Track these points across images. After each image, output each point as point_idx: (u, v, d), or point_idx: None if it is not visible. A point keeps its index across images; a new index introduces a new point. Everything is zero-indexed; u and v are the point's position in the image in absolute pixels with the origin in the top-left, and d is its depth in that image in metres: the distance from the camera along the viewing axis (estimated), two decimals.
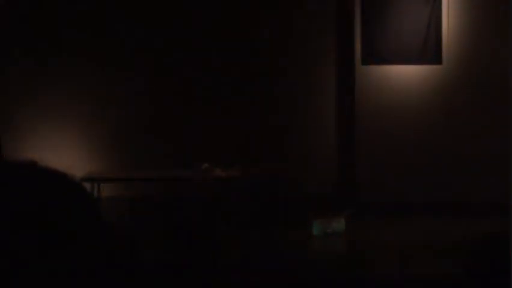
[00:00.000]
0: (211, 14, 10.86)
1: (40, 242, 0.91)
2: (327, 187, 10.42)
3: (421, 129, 10.66)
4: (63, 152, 10.35)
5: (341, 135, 10.60)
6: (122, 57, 10.86)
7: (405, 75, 10.86)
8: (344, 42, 10.63)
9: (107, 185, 9.94)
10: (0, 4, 10.70)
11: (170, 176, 9.50)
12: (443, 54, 10.79)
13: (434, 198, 10.35)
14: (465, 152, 10.51)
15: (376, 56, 10.80)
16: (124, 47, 10.85)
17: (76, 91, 10.86)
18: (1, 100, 10.73)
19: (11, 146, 10.39)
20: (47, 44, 10.81)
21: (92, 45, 10.85)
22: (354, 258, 7.71)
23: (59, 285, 0.90)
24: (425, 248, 8.08)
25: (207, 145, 10.51)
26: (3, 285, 0.88)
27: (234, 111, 10.74)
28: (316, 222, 8.75)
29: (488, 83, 10.50)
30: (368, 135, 10.77)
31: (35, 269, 0.90)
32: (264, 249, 7.96)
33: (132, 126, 10.87)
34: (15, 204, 0.91)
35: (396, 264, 7.31)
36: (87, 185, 8.98)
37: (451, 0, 10.80)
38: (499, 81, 10.35)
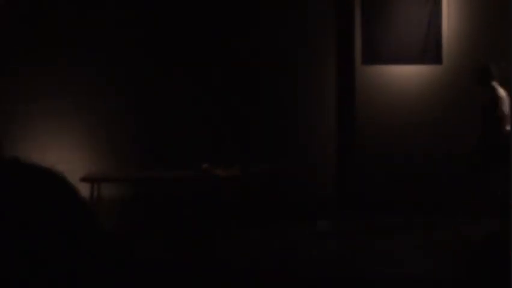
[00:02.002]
0: (211, 15, 10.86)
1: (26, 242, 0.90)
2: (327, 187, 10.42)
3: (421, 129, 10.66)
4: (63, 152, 10.35)
5: (341, 135, 10.59)
6: (122, 57, 10.86)
7: (405, 75, 10.86)
8: (344, 42, 10.63)
9: (107, 185, 9.94)
10: (0, 4, 10.69)
11: (170, 176, 9.49)
12: (443, 54, 10.78)
13: (434, 197, 10.34)
14: (465, 152, 10.50)
15: (376, 56, 10.80)
16: (124, 48, 10.85)
17: (76, 91, 10.86)
18: (2, 100, 10.72)
19: (11, 146, 10.40)
20: (47, 44, 10.82)
21: (92, 45, 10.84)
22: (353, 258, 7.71)
23: (49, 284, 0.90)
24: (425, 248, 8.08)
25: (207, 145, 10.51)
26: None
27: (234, 111, 10.74)
28: (316, 222, 8.76)
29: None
30: (368, 134, 10.77)
31: (24, 270, 0.89)
32: (264, 249, 7.96)
33: (132, 127, 10.87)
34: None
35: (396, 264, 7.31)
36: (87, 185, 8.98)
37: (450, 0, 10.80)
38: (499, 81, 10.34)
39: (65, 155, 10.32)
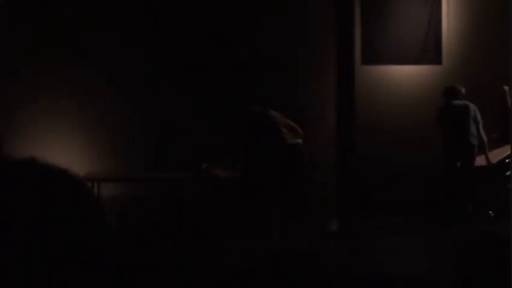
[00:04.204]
0: (211, 15, 10.86)
1: (40, 240, 0.91)
2: (327, 187, 10.42)
3: (421, 128, 10.65)
4: (63, 152, 10.35)
5: (341, 135, 10.59)
6: (122, 57, 10.86)
7: (405, 75, 10.86)
8: (344, 42, 10.63)
9: (107, 185, 9.93)
10: (0, 4, 10.69)
11: (170, 176, 9.49)
12: (443, 54, 10.79)
13: (434, 197, 10.33)
14: None
15: (376, 56, 10.81)
16: (124, 48, 10.86)
17: (76, 91, 10.87)
18: (2, 100, 10.72)
19: (11, 146, 10.39)
20: (47, 44, 10.82)
21: (92, 45, 10.85)
22: (353, 258, 7.71)
23: (60, 284, 0.90)
24: (425, 248, 8.08)
25: (207, 145, 10.51)
26: (2, 285, 0.88)
27: (234, 111, 10.72)
28: (315, 222, 8.76)
29: (488, 83, 10.50)
30: (367, 134, 10.77)
31: (35, 268, 0.89)
32: (264, 249, 7.96)
33: (132, 127, 10.87)
34: (14, 201, 0.91)
35: (396, 264, 7.31)
36: None
37: (450, 0, 10.80)
38: (499, 81, 10.35)
39: (65, 155, 10.31)
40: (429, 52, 10.76)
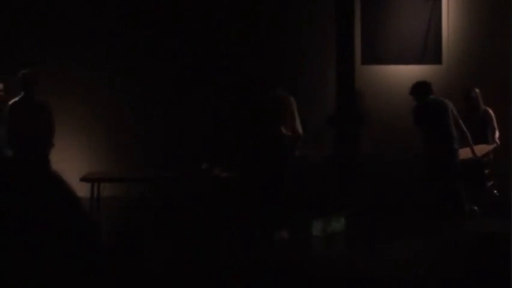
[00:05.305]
0: (211, 16, 10.86)
1: (19, 235, 0.90)
2: (327, 187, 10.41)
3: None
4: (63, 152, 10.35)
5: (341, 135, 10.59)
6: (122, 58, 10.86)
7: (405, 75, 10.85)
8: (344, 42, 10.63)
9: (107, 185, 9.93)
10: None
11: (170, 176, 9.48)
12: (443, 54, 10.79)
13: (434, 198, 10.33)
14: None
15: (376, 56, 10.81)
16: (125, 48, 10.86)
17: (76, 91, 10.86)
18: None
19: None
20: (47, 44, 10.82)
21: (92, 45, 10.85)
22: (354, 259, 7.71)
23: (42, 280, 0.90)
24: (425, 248, 8.08)
25: (207, 145, 10.51)
26: None
27: (234, 111, 10.73)
28: (316, 222, 8.75)
29: (488, 83, 10.50)
30: (367, 134, 10.77)
31: (14, 263, 0.89)
32: (264, 249, 7.96)
33: (132, 127, 10.87)
34: None
35: (396, 264, 7.31)
36: (87, 185, 8.96)
37: (450, 1, 10.80)
38: (499, 81, 10.35)
39: (65, 154, 10.32)
40: (429, 52, 10.76)
